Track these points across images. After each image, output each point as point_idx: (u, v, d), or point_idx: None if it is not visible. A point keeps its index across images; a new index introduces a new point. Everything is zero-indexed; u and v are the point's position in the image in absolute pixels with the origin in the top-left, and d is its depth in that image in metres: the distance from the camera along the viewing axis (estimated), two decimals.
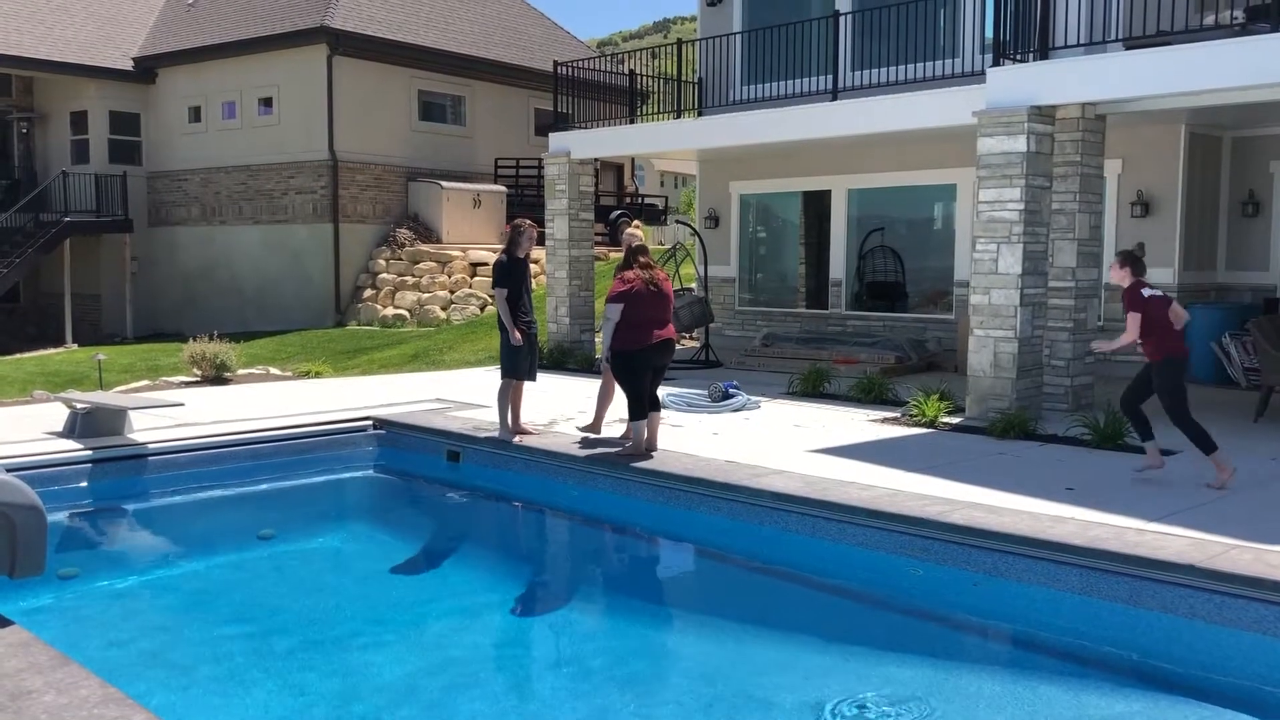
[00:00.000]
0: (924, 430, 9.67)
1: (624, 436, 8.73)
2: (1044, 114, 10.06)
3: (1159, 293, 7.67)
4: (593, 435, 9.16)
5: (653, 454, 8.39)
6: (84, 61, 25.17)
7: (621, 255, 8.79)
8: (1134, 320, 7.57)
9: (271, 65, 23.80)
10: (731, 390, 11.00)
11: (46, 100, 26.63)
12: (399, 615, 6.29)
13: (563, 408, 10.56)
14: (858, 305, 16.05)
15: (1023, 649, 5.89)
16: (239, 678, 5.17)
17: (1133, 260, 7.69)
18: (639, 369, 8.31)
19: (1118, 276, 7.71)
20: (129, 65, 25.87)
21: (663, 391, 11.38)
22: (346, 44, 22.98)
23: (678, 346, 16.95)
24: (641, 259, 8.46)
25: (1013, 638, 6.08)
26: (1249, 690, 5.12)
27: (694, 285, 16.80)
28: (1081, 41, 10.19)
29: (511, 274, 9.04)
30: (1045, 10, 10.17)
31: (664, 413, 10.39)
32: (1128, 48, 9.91)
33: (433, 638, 5.94)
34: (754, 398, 11.15)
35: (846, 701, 4.82)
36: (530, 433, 9.32)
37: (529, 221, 9.34)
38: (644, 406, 8.37)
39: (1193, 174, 12.79)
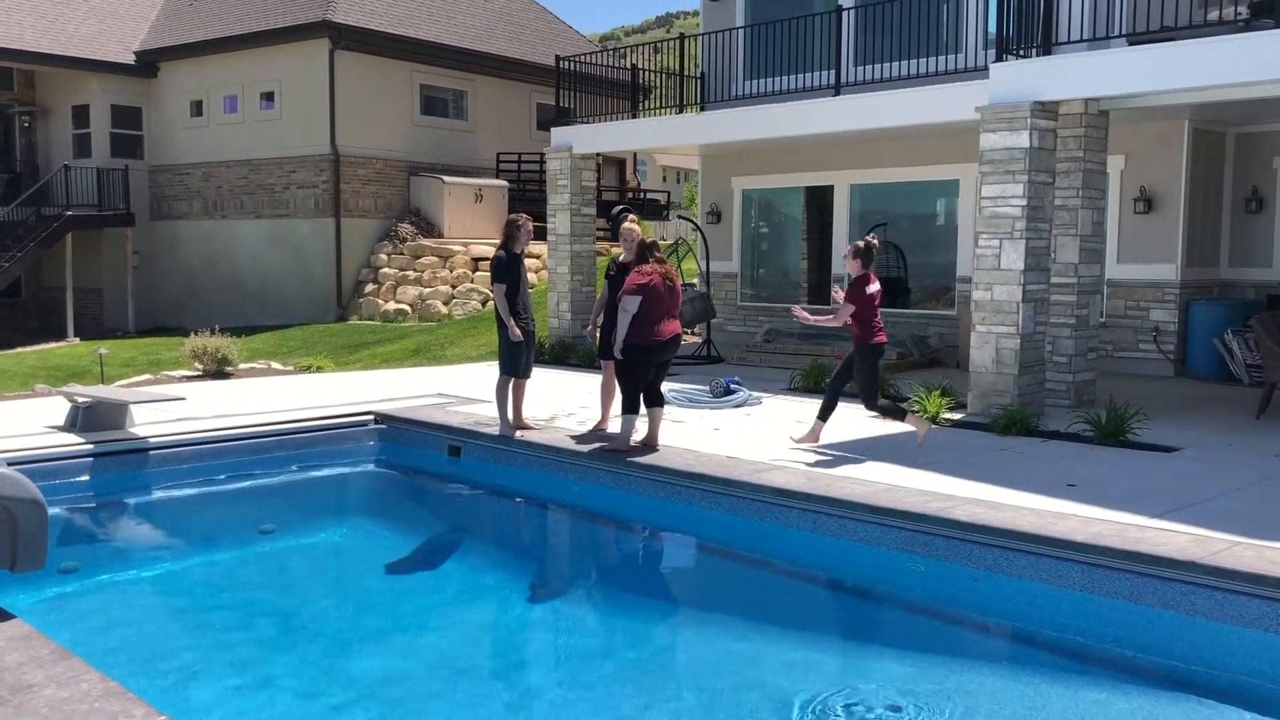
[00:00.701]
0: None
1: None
2: (1047, 110, 10.04)
3: (879, 289, 8.38)
4: (604, 432, 9.15)
5: (655, 449, 8.38)
6: (86, 55, 25.16)
7: (620, 250, 8.76)
8: (847, 310, 8.27)
9: (273, 59, 23.78)
10: (733, 386, 10.99)
11: (48, 94, 26.62)
12: (400, 609, 6.29)
13: (564, 403, 10.55)
14: None
15: (1024, 645, 5.89)
16: (240, 671, 5.17)
17: (865, 253, 8.34)
18: (646, 364, 8.30)
19: (850, 266, 8.33)
20: (131, 59, 25.86)
21: (665, 387, 11.38)
22: (348, 38, 22.97)
23: (690, 339, 17.03)
24: (655, 254, 8.45)
25: (1014, 634, 6.07)
26: (1250, 687, 5.11)
27: (696, 281, 16.79)
28: (1085, 37, 10.17)
29: (510, 269, 9.03)
30: (1048, 6, 10.15)
31: (666, 408, 10.40)
32: (1131, 43, 9.89)
33: (434, 631, 5.94)
34: (756, 393, 11.14)
35: (846, 697, 4.82)
36: (532, 428, 9.32)
37: (525, 216, 9.33)
38: (639, 402, 8.36)
39: (1196, 170, 12.77)
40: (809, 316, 8.99)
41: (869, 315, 8.26)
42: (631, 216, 9.60)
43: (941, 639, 5.94)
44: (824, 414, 8.69)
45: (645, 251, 8.46)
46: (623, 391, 8.44)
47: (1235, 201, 13.28)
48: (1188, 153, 12.60)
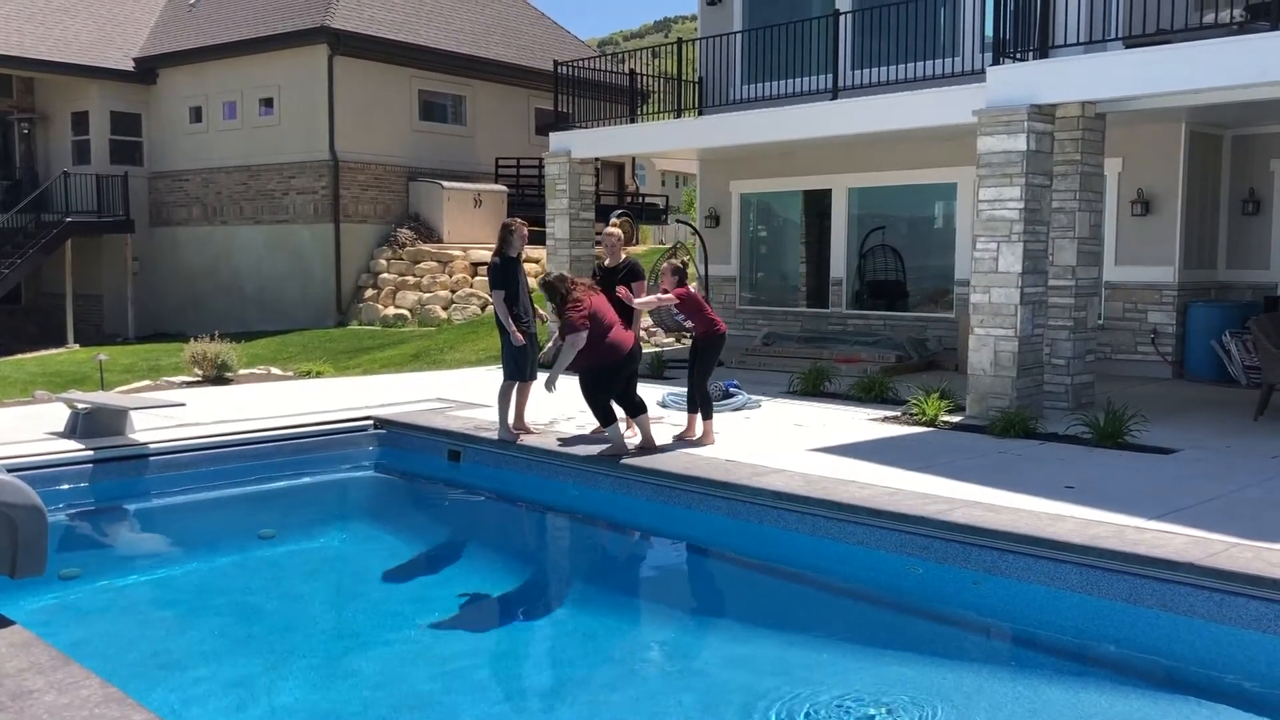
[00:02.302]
0: (924, 429, 9.67)
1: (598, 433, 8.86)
2: (1044, 112, 10.06)
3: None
4: (603, 435, 9.19)
5: (654, 450, 8.40)
6: (85, 62, 25.19)
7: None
8: (678, 303, 8.85)
9: (272, 65, 23.81)
10: (732, 389, 11.00)
11: (48, 101, 26.65)
12: (400, 614, 6.30)
13: (563, 407, 10.56)
14: (858, 304, 16.05)
15: (1022, 647, 5.89)
16: (240, 678, 5.18)
17: (681, 273, 8.97)
18: (611, 381, 8.31)
19: (678, 294, 8.84)
20: (130, 66, 25.89)
21: (663, 391, 11.42)
22: (347, 44, 23.00)
23: (678, 345, 17.07)
24: (567, 286, 8.31)
25: (1012, 636, 6.08)
26: (1249, 689, 5.12)
27: (695, 284, 16.80)
28: (1082, 40, 10.19)
29: (507, 275, 9.06)
30: (1045, 9, 10.17)
31: (665, 412, 10.43)
32: (1128, 46, 9.92)
33: (434, 636, 5.94)
34: (755, 397, 11.15)
35: (846, 699, 4.82)
36: (533, 432, 9.34)
37: (519, 220, 9.37)
38: (613, 413, 8.37)
39: (1193, 172, 12.79)
40: (649, 299, 9.34)
41: (700, 314, 8.92)
42: (615, 221, 9.60)
43: (940, 641, 5.94)
44: (694, 408, 8.99)
45: (559, 293, 8.27)
46: (592, 409, 8.42)
47: (1232, 204, 13.31)
48: (1185, 155, 12.62)
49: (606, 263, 9.71)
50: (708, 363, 8.93)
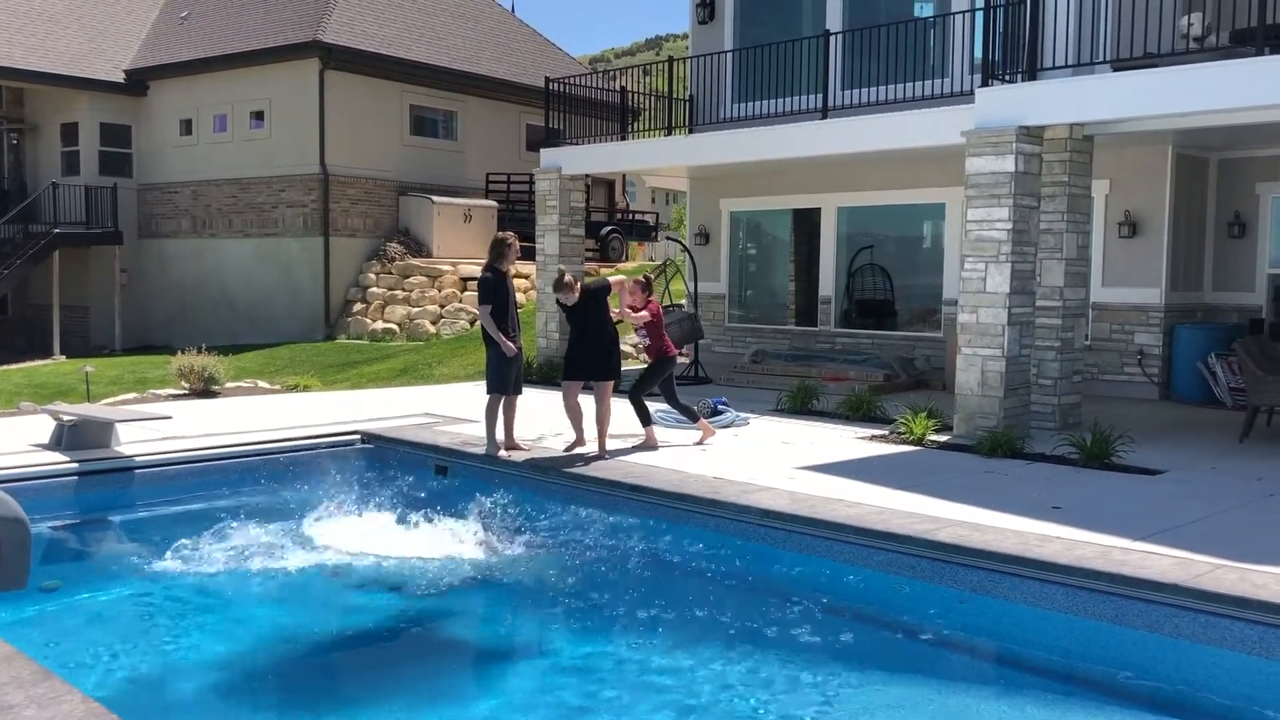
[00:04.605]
0: (912, 448, 9.68)
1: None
2: (1032, 134, 10.12)
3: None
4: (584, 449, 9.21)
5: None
6: (75, 73, 25.16)
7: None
8: (644, 321, 9.61)
9: (263, 79, 23.82)
10: (720, 406, 11.01)
11: (37, 112, 26.60)
12: (384, 627, 6.26)
13: (551, 423, 10.55)
14: (847, 323, 16.09)
15: (1008, 667, 5.89)
16: (222, 693, 5.14)
17: (648, 287, 9.78)
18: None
19: (650, 310, 9.61)
20: (120, 77, 25.87)
21: (653, 407, 11.40)
22: (339, 58, 23.03)
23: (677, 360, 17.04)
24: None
25: (998, 656, 6.08)
26: (1233, 710, 5.13)
27: (684, 301, 16.82)
28: (1069, 63, 10.27)
29: (498, 289, 9.07)
30: (1034, 32, 10.25)
31: (654, 428, 10.43)
32: (1115, 69, 9.99)
33: (420, 649, 5.91)
34: (743, 414, 11.16)
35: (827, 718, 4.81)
36: (523, 448, 9.32)
37: (513, 235, 9.42)
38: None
39: (1180, 195, 12.88)
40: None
41: (657, 335, 9.77)
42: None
43: (925, 661, 5.93)
44: (645, 419, 9.70)
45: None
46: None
47: (1218, 226, 13.40)
48: (1171, 178, 12.72)
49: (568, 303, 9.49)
50: (654, 379, 9.80)
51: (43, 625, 6.09)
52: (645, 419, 9.69)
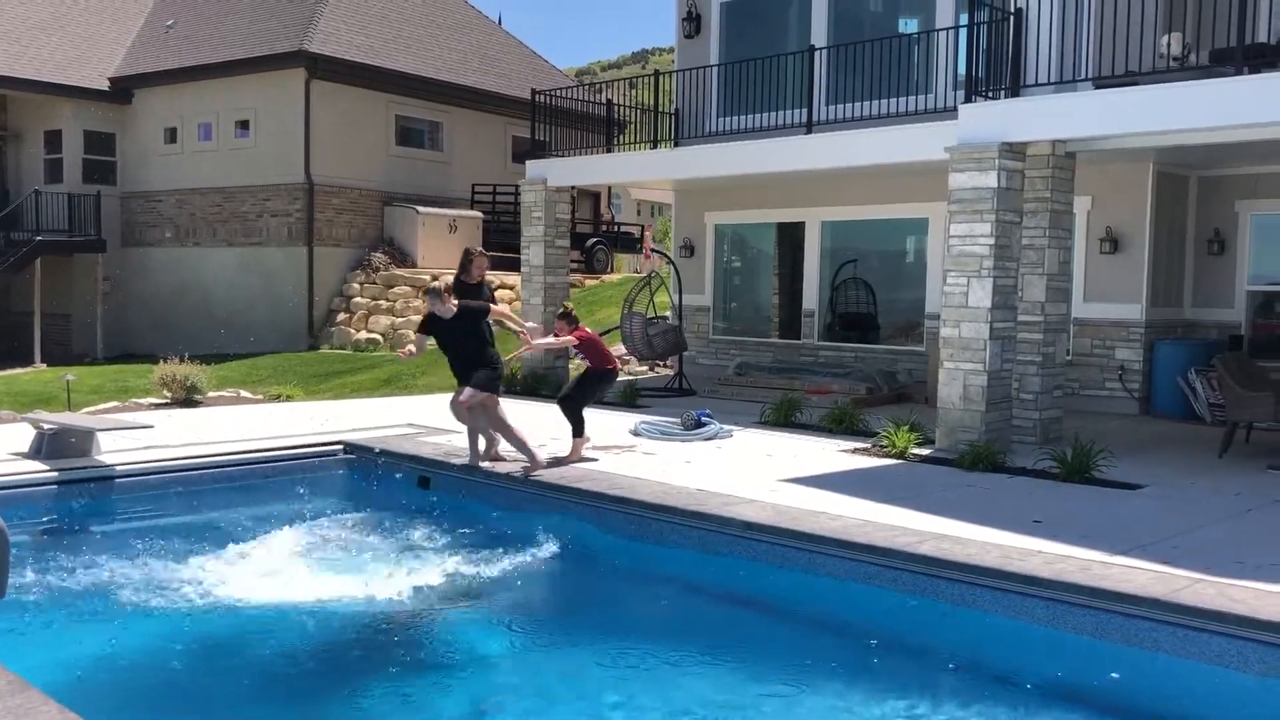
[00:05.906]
0: (894, 461, 9.72)
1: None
2: (1015, 150, 10.20)
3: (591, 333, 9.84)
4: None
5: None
6: (59, 81, 25.08)
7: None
8: (574, 345, 9.65)
9: (249, 88, 23.79)
10: (704, 419, 11.02)
11: (21, 119, 26.49)
12: (365, 640, 6.24)
13: (535, 435, 10.53)
14: (830, 336, 16.15)
15: (989, 681, 5.91)
16: (198, 706, 5.12)
17: (570, 318, 9.58)
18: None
19: (578, 336, 9.52)
20: (105, 85, 25.80)
21: (636, 419, 11.43)
22: (325, 68, 23.03)
23: (651, 374, 17.11)
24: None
25: (979, 669, 6.09)
26: None
27: (669, 314, 16.86)
28: (1052, 80, 10.36)
29: (465, 298, 9.35)
30: (1016, 49, 10.34)
31: (638, 440, 10.44)
32: (1097, 87, 10.08)
33: (400, 661, 5.89)
34: (726, 426, 11.17)
35: None
36: (505, 460, 9.32)
37: (479, 249, 10.36)
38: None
39: (1160, 212, 12.99)
40: (541, 342, 10.52)
41: (594, 353, 9.68)
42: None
43: (906, 674, 5.94)
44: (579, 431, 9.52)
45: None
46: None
47: (1198, 243, 13.52)
48: (1152, 195, 12.83)
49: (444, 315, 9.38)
50: (590, 391, 9.67)
51: (20, 636, 6.02)
52: (579, 430, 9.45)
